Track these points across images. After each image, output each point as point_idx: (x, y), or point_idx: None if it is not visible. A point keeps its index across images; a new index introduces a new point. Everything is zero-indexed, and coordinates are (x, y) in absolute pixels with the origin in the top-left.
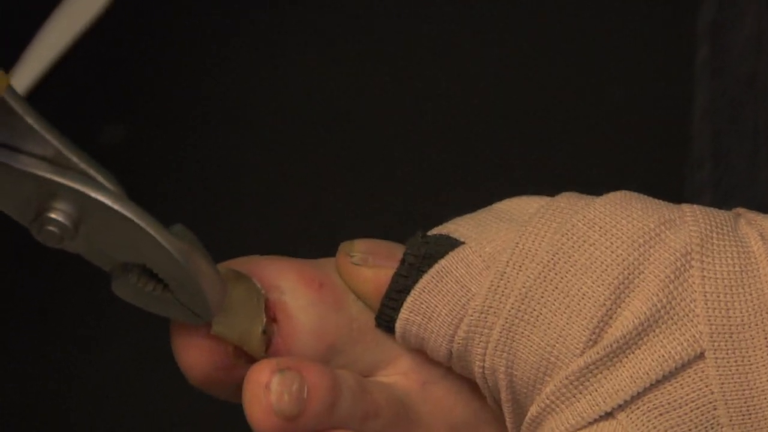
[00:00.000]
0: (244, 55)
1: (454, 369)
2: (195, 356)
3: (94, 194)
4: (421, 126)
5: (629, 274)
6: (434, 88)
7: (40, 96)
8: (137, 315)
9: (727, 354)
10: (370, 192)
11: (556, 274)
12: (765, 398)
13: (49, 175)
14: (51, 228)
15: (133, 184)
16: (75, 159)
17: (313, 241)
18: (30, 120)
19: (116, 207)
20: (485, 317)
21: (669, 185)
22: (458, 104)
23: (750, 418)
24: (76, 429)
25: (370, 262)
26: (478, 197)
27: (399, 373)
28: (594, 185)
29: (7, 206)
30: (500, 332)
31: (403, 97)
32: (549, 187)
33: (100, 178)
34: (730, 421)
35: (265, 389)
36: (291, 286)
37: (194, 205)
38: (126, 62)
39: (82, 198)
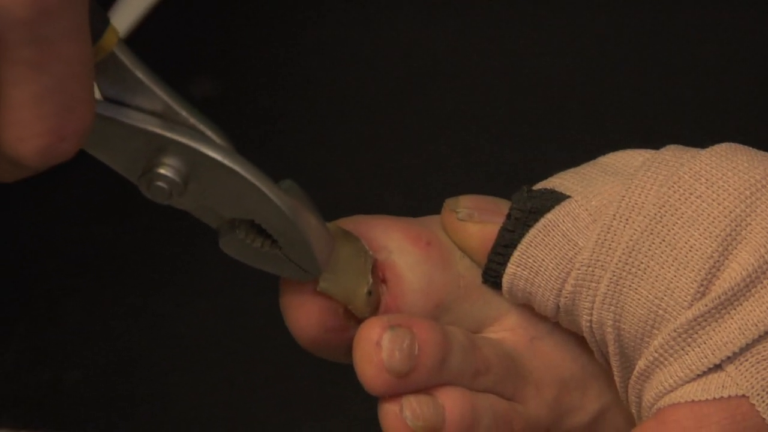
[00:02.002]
0: (339, 11)
1: (561, 324)
2: (305, 318)
3: (204, 149)
4: (517, 85)
5: (736, 226)
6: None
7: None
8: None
9: None
10: (465, 146)
11: (663, 226)
12: None
13: (158, 130)
14: (160, 183)
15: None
16: (184, 113)
17: (408, 195)
18: (140, 74)
19: (227, 162)
20: (593, 270)
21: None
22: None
23: None
24: (170, 388)
25: (475, 218)
26: (575, 152)
27: (507, 329)
28: (688, 135)
29: (116, 161)
30: (608, 285)
31: (499, 58)
32: (643, 142)
33: (209, 133)
34: None
35: (376, 346)
36: (398, 246)
37: (289, 160)
38: (219, 15)
39: (192, 153)
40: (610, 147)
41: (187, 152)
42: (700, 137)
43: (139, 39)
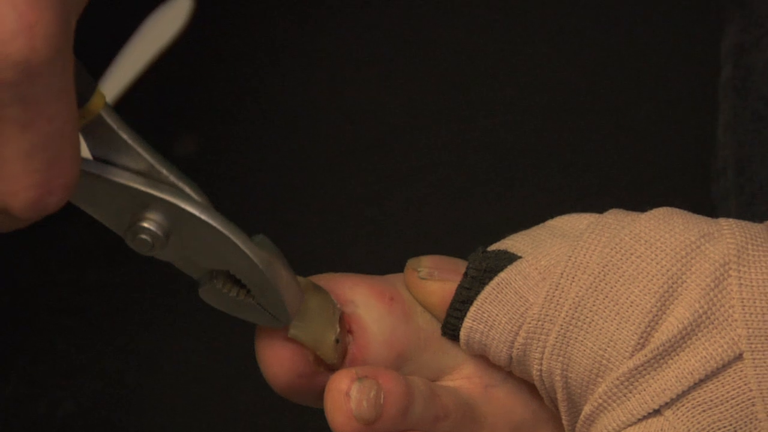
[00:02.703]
0: (304, 71)
1: (514, 372)
2: (278, 362)
3: (184, 205)
4: (468, 140)
5: (673, 283)
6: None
7: (119, 108)
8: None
9: (764, 355)
10: (421, 201)
11: (606, 284)
12: None
13: (142, 188)
14: (144, 237)
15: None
16: (165, 172)
17: (371, 247)
18: (125, 135)
19: (204, 217)
20: (542, 324)
21: (696, 193)
22: (499, 119)
23: None
24: (158, 420)
25: (435, 276)
26: (520, 209)
27: (463, 378)
28: (627, 197)
29: (103, 216)
30: (556, 338)
31: (450, 112)
32: (585, 200)
33: (188, 190)
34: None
35: (346, 396)
36: (364, 300)
37: (262, 214)
38: (198, 80)
39: (173, 209)
40: (556, 203)
41: (168, 208)
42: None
43: (126, 99)
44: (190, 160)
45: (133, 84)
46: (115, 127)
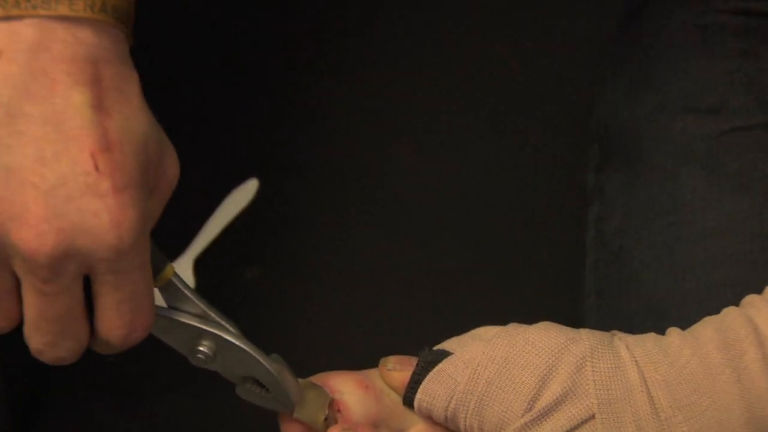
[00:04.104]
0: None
1: (450, 427)
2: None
3: (226, 336)
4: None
5: (549, 370)
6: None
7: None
8: None
9: (608, 416)
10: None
11: (506, 370)
12: None
13: (198, 325)
14: (200, 356)
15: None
16: (212, 314)
17: (359, 339)
18: (187, 292)
19: (239, 344)
20: (466, 396)
21: (569, 311)
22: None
23: None
24: None
25: (397, 368)
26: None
27: (417, 429)
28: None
29: (173, 343)
30: (475, 404)
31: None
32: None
33: (227, 326)
34: None
35: None
36: (348, 389)
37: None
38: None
39: (219, 339)
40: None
41: (215, 339)
42: None
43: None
44: (253, 284)
45: (209, 246)
46: (180, 287)
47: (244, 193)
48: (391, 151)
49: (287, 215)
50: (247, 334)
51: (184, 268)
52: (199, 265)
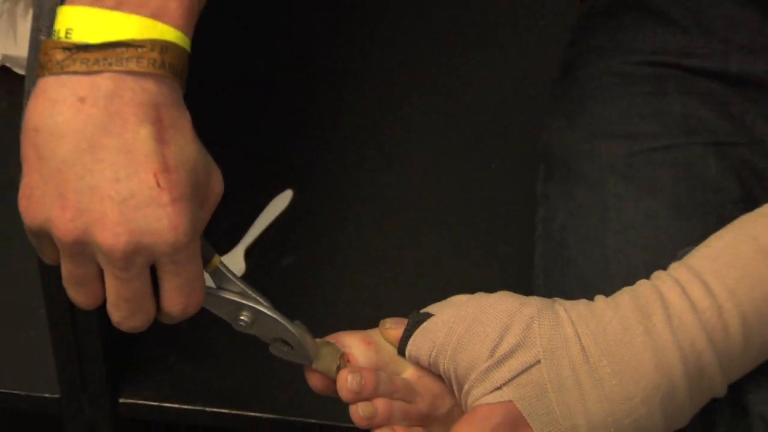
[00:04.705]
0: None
1: (433, 370)
2: (314, 379)
3: (260, 308)
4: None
5: (506, 326)
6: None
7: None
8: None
9: (550, 360)
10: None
11: (474, 326)
12: (568, 382)
13: (239, 299)
14: (241, 323)
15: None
16: (250, 292)
17: (363, 311)
18: (230, 276)
19: (270, 314)
20: (443, 347)
21: (526, 284)
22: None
23: (561, 392)
24: None
25: (393, 327)
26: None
27: (409, 374)
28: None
29: (221, 314)
30: (450, 354)
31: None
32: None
33: (261, 300)
34: (552, 389)
35: (345, 381)
36: (354, 344)
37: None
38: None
39: (255, 311)
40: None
41: (252, 310)
42: None
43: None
44: (286, 269)
45: (255, 241)
46: (225, 272)
47: (282, 200)
48: (391, 165)
49: (315, 217)
50: (282, 308)
51: (237, 257)
52: (248, 255)
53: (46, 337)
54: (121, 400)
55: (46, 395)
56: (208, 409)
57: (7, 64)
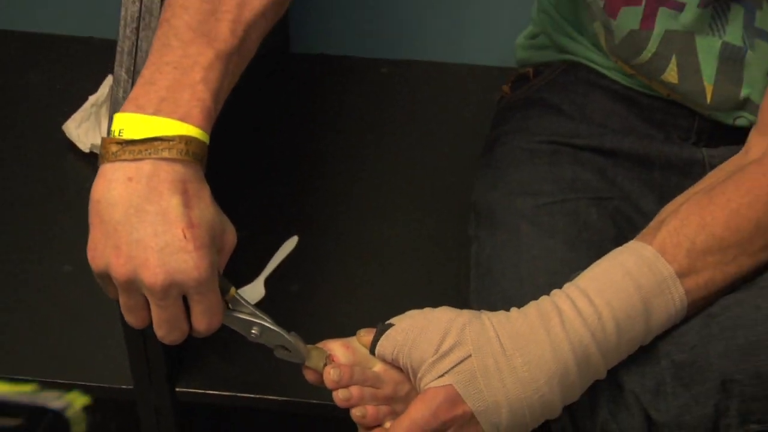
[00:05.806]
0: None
1: (396, 365)
2: (310, 375)
3: (267, 325)
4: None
5: (446, 331)
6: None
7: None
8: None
9: (478, 354)
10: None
11: (422, 333)
12: (492, 370)
13: (251, 319)
14: (252, 336)
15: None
16: (257, 312)
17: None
18: (243, 302)
19: (274, 328)
20: (402, 348)
21: (458, 294)
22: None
23: (487, 377)
24: None
25: (366, 334)
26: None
27: (377, 368)
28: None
29: (237, 329)
30: (407, 352)
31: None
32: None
33: (267, 319)
34: (480, 375)
35: (329, 373)
36: (337, 348)
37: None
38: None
39: (262, 327)
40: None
41: (260, 326)
42: None
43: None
44: (293, 296)
45: (269, 277)
46: (241, 300)
47: (290, 244)
48: (373, 202)
49: (315, 255)
50: (287, 325)
51: (258, 284)
52: (266, 283)
53: (123, 344)
54: (177, 389)
55: (123, 386)
56: (240, 394)
57: (95, 151)
